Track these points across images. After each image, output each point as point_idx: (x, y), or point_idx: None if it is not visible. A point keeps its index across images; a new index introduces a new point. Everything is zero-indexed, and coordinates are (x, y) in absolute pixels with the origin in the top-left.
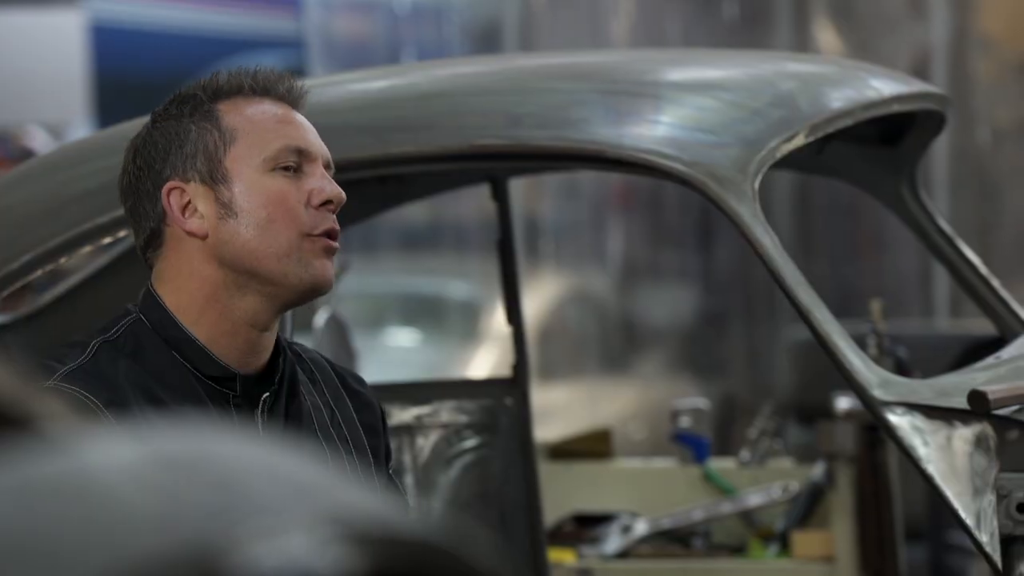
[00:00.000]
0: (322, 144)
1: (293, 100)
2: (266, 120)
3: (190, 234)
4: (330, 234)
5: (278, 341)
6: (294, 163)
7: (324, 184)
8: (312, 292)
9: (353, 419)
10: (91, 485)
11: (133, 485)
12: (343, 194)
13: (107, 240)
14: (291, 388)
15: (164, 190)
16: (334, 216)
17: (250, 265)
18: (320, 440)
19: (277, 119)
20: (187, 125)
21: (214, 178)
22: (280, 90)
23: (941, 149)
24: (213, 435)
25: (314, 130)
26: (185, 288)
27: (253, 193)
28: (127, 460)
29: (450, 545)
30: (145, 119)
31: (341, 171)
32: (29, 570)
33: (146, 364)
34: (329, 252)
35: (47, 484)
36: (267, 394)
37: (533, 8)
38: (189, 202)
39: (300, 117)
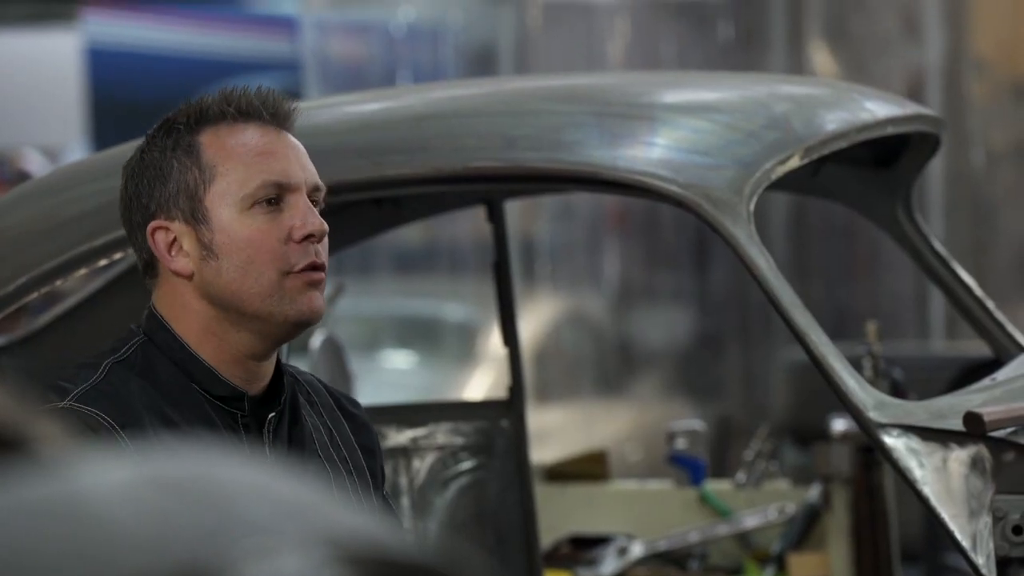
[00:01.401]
0: (306, 169)
1: (279, 122)
2: (246, 154)
3: (176, 273)
4: (313, 267)
5: (279, 363)
6: (274, 196)
7: (305, 218)
8: (302, 325)
9: (351, 440)
10: (85, 507)
11: (127, 507)
12: (325, 226)
13: (103, 262)
14: (293, 409)
15: (149, 229)
16: (318, 247)
17: (236, 305)
18: (322, 461)
19: (257, 151)
20: (170, 160)
21: (196, 218)
22: (264, 115)
23: (936, 171)
24: (207, 456)
25: (301, 153)
26: (182, 319)
27: (232, 234)
28: (121, 482)
29: (444, 566)
30: (139, 141)
31: (336, 193)
32: None
33: (157, 384)
34: (314, 284)
35: (42, 506)
36: (272, 414)
37: (528, 30)
38: (175, 239)
39: (285, 143)
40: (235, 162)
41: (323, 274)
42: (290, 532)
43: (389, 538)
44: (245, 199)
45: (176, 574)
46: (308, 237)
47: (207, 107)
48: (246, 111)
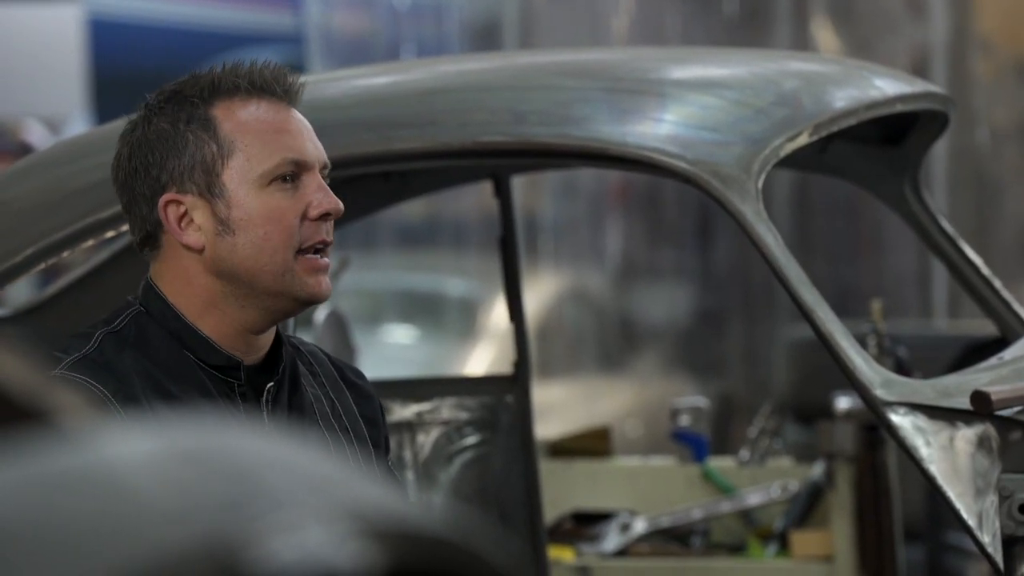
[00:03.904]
0: (318, 147)
1: (290, 99)
2: (264, 130)
3: (187, 247)
4: (324, 246)
5: (278, 333)
6: (291, 173)
7: (322, 197)
8: (309, 304)
9: (353, 410)
10: (109, 479)
11: (152, 479)
12: (340, 206)
13: (109, 234)
14: (293, 378)
15: (161, 202)
16: (330, 226)
17: (248, 280)
18: (323, 430)
19: (275, 128)
20: (184, 133)
21: (212, 192)
22: (277, 91)
23: (940, 149)
24: (230, 429)
25: (310, 130)
26: (183, 292)
27: (250, 210)
28: (145, 454)
29: (465, 541)
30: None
31: (345, 167)
32: (48, 563)
33: (151, 354)
34: (323, 270)
35: (65, 477)
36: (271, 383)
37: (533, 5)
38: (186, 213)
39: (297, 120)
40: (254, 138)
41: (328, 259)
42: (314, 505)
43: (412, 513)
44: (264, 175)
45: (201, 547)
46: (324, 215)
47: (218, 80)
48: (259, 86)
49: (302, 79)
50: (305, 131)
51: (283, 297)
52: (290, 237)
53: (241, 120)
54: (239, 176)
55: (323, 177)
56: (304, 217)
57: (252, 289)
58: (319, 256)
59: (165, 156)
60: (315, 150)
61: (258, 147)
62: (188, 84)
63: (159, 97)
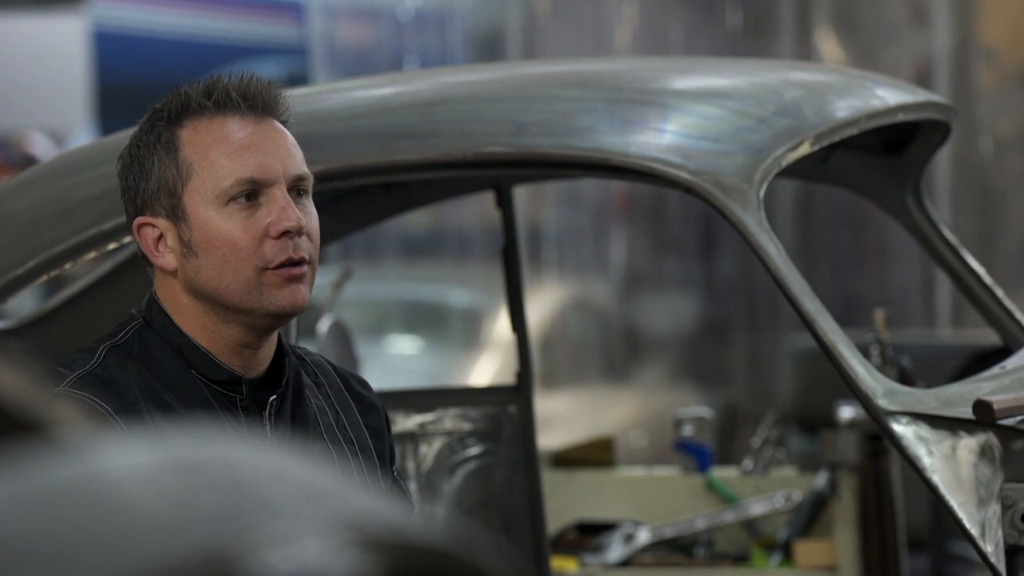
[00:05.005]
0: (287, 160)
1: (260, 112)
2: (221, 149)
3: (161, 269)
4: (291, 262)
5: (281, 345)
6: (250, 192)
7: (282, 214)
8: (285, 317)
9: (358, 422)
10: (106, 490)
11: (148, 490)
12: (302, 221)
13: (112, 246)
14: (297, 391)
15: (135, 225)
16: (299, 240)
17: (218, 299)
18: (327, 442)
19: (234, 147)
20: (151, 156)
21: (176, 215)
22: (242, 107)
23: (943, 158)
24: (227, 441)
25: (282, 144)
26: (175, 310)
27: (209, 232)
28: (142, 466)
29: (463, 552)
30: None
31: (346, 178)
32: (44, 574)
33: (154, 369)
34: (293, 279)
35: (63, 489)
36: (274, 397)
37: (536, 16)
38: (161, 235)
39: (264, 134)
40: (210, 159)
41: (303, 268)
42: (310, 516)
43: (407, 523)
44: (220, 196)
45: (197, 558)
46: (285, 233)
47: (188, 100)
48: (224, 104)
49: (279, 90)
50: (271, 145)
51: (256, 313)
52: (249, 257)
53: (202, 142)
54: (198, 198)
55: (303, 188)
56: (265, 236)
57: (226, 307)
58: (290, 268)
59: (138, 179)
60: (280, 164)
61: (214, 168)
62: (164, 105)
63: (144, 117)
